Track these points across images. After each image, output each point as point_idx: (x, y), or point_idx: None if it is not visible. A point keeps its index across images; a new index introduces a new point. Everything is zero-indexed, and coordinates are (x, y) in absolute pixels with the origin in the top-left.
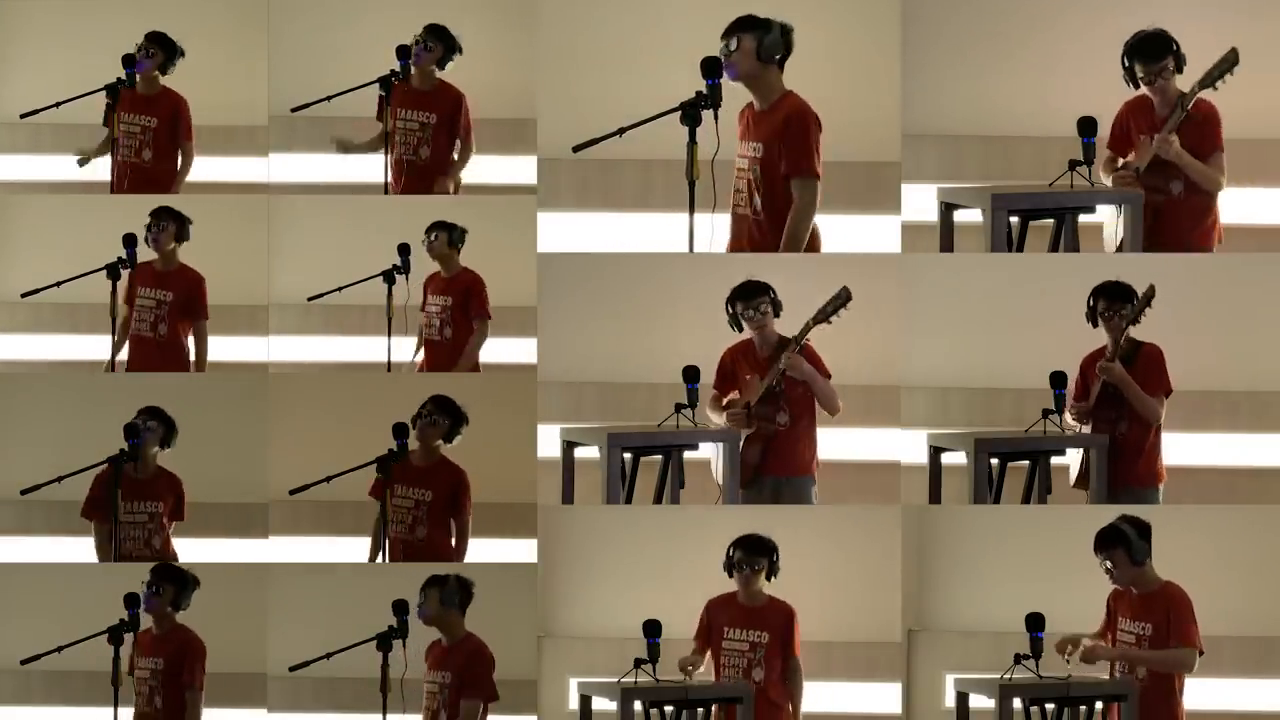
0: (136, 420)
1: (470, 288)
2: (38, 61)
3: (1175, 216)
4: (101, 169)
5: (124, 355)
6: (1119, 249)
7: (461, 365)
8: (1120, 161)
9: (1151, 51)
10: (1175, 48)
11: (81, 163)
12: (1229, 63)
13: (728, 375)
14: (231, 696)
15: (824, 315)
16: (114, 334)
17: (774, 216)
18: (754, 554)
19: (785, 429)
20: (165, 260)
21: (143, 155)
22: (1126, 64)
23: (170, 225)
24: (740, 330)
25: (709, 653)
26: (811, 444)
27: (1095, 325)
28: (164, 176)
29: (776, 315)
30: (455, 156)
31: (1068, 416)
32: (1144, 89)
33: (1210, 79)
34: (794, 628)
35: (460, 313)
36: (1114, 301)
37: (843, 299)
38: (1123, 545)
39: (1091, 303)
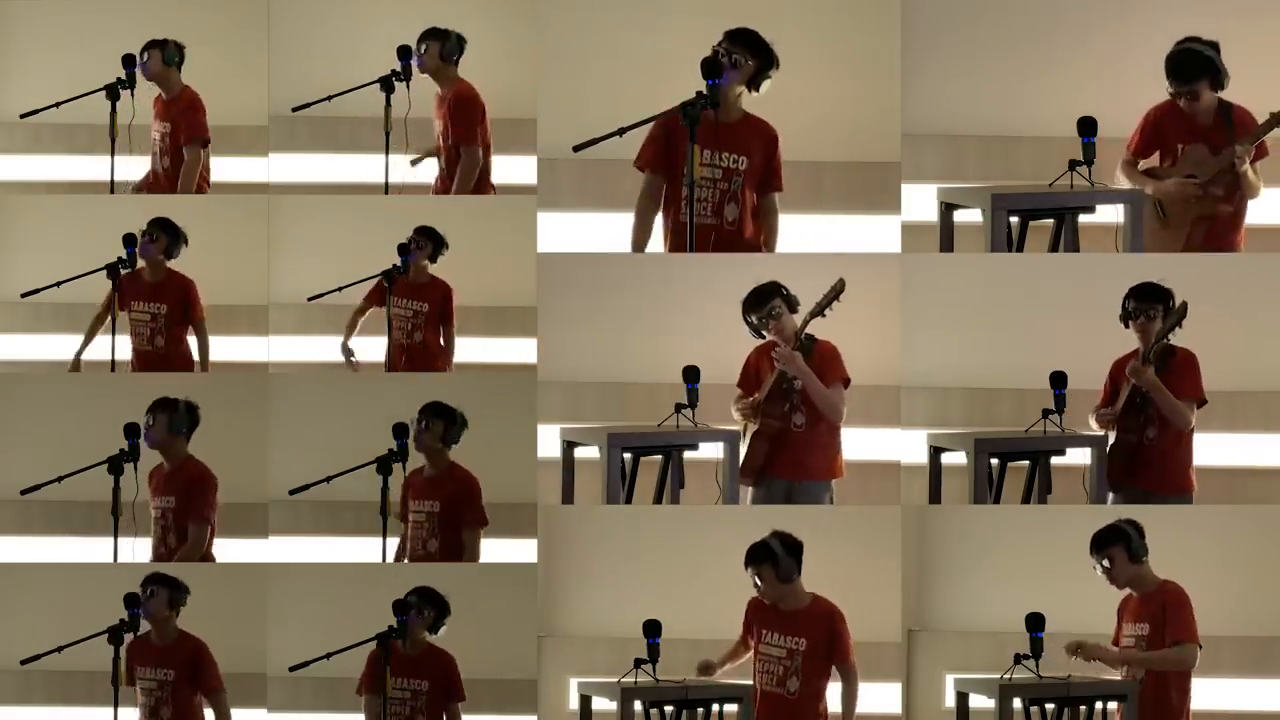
0: (146, 416)
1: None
2: (38, 61)
3: (1224, 229)
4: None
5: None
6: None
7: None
8: (1156, 167)
9: (1185, 73)
10: (1215, 65)
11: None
12: None
13: (751, 375)
14: (231, 696)
15: (820, 309)
16: (107, 335)
17: (743, 226)
18: (753, 563)
19: (801, 431)
20: (154, 271)
21: (163, 162)
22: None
23: (161, 238)
24: (763, 338)
25: (750, 654)
26: (829, 449)
27: (1127, 326)
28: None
29: (793, 311)
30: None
31: (1091, 421)
32: (1181, 102)
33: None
34: (839, 631)
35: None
36: (1145, 302)
37: (837, 290)
38: (1122, 542)
39: (1126, 304)
